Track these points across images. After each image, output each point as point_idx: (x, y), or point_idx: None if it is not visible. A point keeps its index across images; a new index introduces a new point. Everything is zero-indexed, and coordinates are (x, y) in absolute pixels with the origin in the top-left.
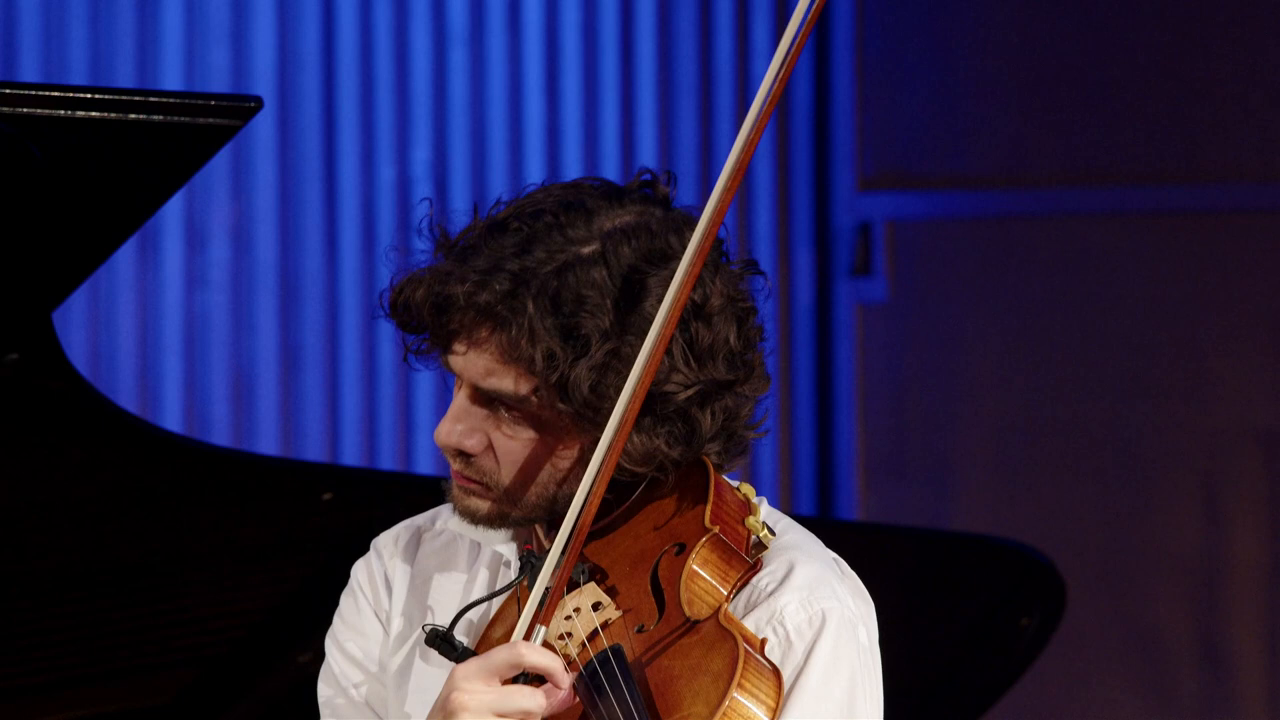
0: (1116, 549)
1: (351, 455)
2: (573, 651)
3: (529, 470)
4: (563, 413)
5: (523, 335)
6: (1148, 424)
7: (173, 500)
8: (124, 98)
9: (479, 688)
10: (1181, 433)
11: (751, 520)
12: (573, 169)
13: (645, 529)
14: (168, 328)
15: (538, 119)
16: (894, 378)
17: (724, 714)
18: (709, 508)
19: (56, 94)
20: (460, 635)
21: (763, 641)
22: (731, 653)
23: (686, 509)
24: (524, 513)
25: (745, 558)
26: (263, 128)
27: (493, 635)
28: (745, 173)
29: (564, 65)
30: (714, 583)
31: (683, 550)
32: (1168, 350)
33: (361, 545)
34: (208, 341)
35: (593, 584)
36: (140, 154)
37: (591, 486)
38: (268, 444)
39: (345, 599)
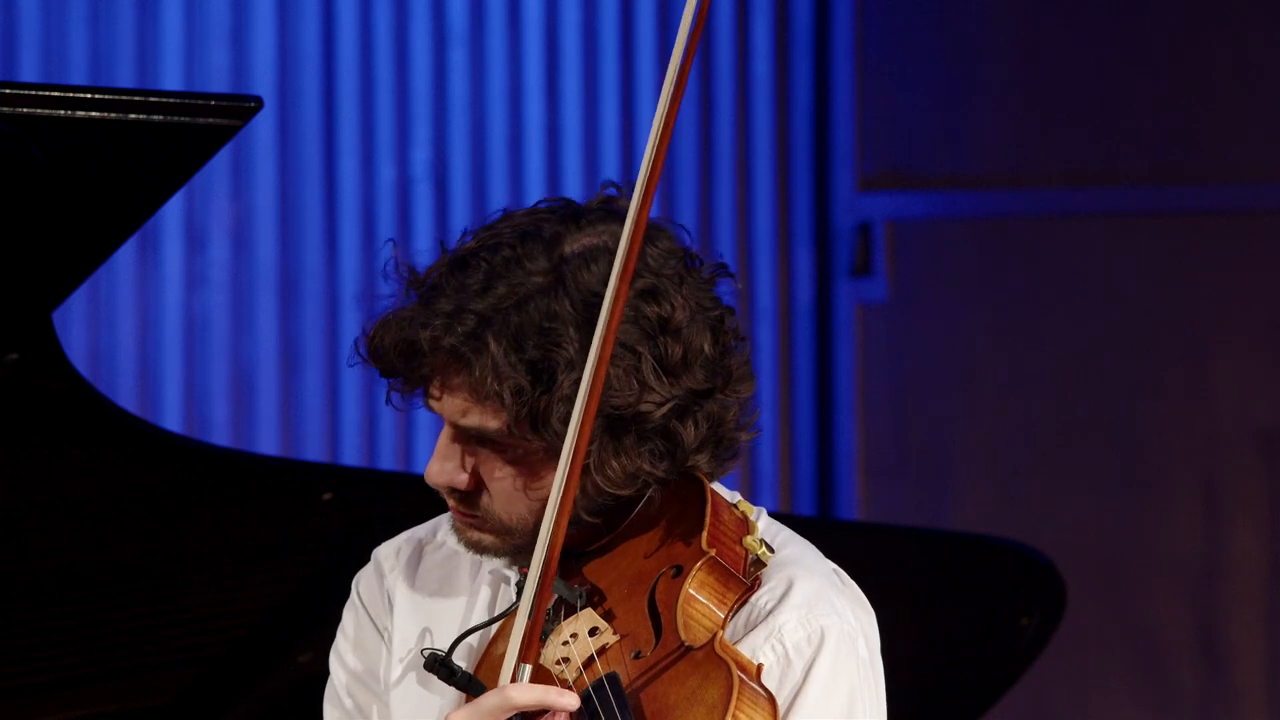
0: (1116, 549)
1: (351, 455)
2: (570, 677)
3: (518, 502)
4: (540, 445)
5: (488, 374)
6: (1148, 424)
7: (173, 500)
8: (124, 98)
9: None
10: (1182, 433)
11: (749, 540)
12: (573, 169)
13: (644, 550)
14: (168, 328)
15: (538, 119)
16: (894, 378)
17: None
18: (705, 530)
19: (56, 94)
20: (459, 659)
21: (759, 667)
22: (726, 682)
23: (684, 531)
24: (525, 540)
25: (742, 579)
26: (263, 128)
27: (495, 651)
28: (745, 173)
29: (564, 65)
30: (711, 606)
31: (680, 573)
32: (1168, 350)
33: (362, 545)
34: (208, 341)
35: (589, 609)
36: (140, 154)
37: (554, 516)
38: (268, 444)
39: (347, 614)
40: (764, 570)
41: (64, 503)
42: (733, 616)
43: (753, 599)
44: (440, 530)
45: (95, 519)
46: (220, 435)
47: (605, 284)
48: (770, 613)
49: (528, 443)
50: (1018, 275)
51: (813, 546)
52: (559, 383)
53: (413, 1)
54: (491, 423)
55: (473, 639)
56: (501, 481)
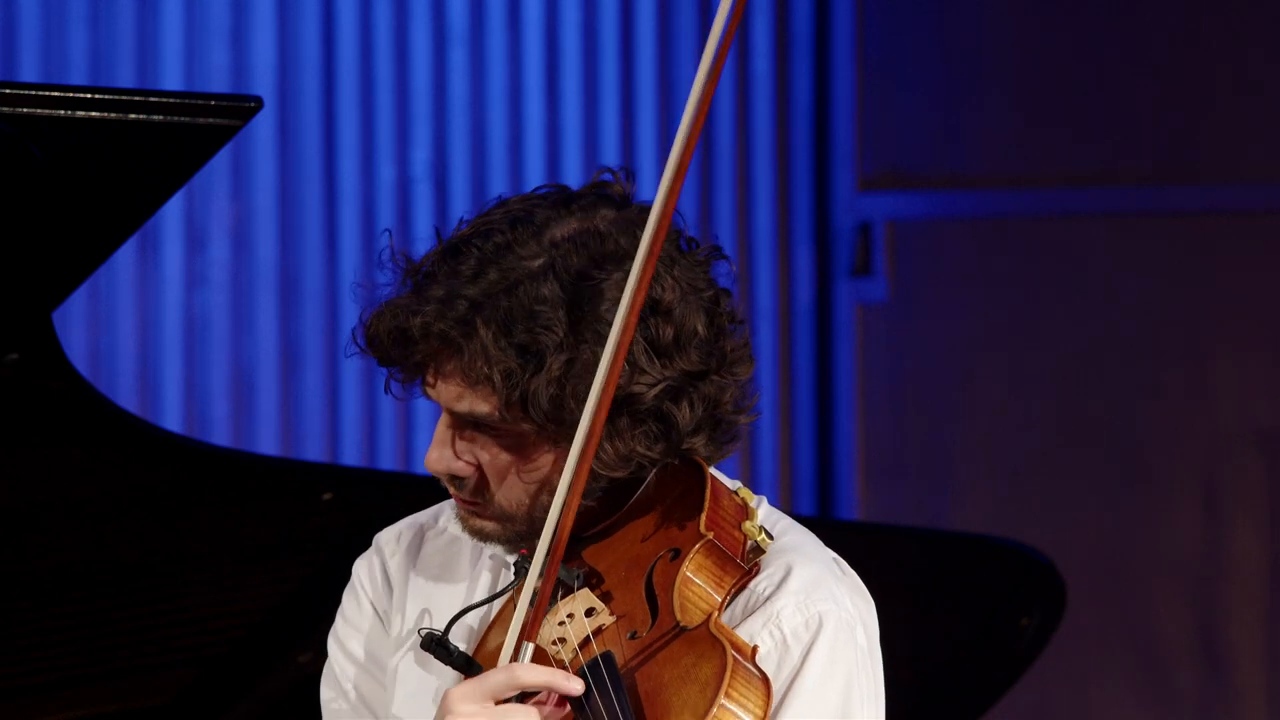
0: (1116, 549)
1: (351, 455)
2: (565, 657)
3: (517, 486)
4: (531, 427)
5: (479, 358)
6: (1148, 424)
7: (173, 500)
8: (124, 98)
9: (474, 710)
10: (1182, 433)
11: (748, 525)
12: (573, 169)
13: (642, 533)
14: (168, 328)
15: (538, 119)
16: (894, 378)
17: None
18: (704, 513)
19: (56, 94)
20: (457, 639)
21: (754, 649)
22: (720, 661)
23: (683, 514)
24: (527, 525)
25: (740, 563)
26: (263, 128)
27: (491, 639)
28: (745, 173)
29: (564, 65)
30: (707, 589)
31: (677, 556)
32: (1168, 350)
33: (362, 545)
34: (208, 341)
35: (586, 589)
36: (140, 154)
37: (565, 497)
38: (268, 444)
39: (347, 596)
40: (763, 557)
41: (64, 503)
42: (730, 601)
43: (751, 584)
44: (443, 516)
45: (95, 519)
46: (220, 435)
47: (596, 266)
48: (768, 598)
49: (520, 425)
50: (1018, 275)
51: (813, 535)
52: (548, 365)
53: (413, 1)
54: (483, 406)
55: (471, 620)
56: (497, 465)
